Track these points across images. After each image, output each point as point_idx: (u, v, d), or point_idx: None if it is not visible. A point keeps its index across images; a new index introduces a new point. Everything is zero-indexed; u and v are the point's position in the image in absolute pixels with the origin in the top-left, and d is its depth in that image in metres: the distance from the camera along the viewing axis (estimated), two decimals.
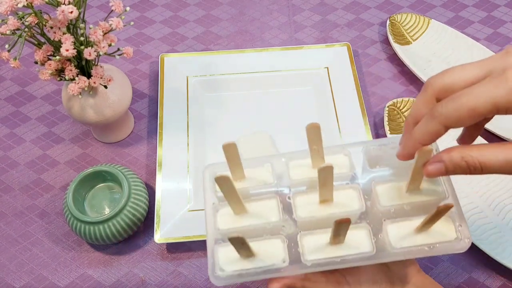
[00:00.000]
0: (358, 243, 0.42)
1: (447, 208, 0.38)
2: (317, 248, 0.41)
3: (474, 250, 0.62)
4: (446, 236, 0.41)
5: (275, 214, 0.43)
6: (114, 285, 0.61)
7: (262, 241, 0.42)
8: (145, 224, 0.65)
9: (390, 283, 0.47)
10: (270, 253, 0.42)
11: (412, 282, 0.47)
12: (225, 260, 0.42)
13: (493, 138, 0.70)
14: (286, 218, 0.43)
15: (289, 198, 0.44)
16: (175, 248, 0.64)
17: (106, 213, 0.61)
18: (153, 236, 0.63)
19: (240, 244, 0.39)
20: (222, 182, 0.40)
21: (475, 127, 0.44)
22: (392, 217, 0.43)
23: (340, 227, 0.38)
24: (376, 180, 0.45)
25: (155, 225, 0.62)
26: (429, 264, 0.62)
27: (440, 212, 0.38)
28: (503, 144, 0.36)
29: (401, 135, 0.43)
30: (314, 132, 0.43)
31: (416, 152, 0.39)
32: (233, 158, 0.44)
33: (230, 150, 0.43)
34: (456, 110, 0.36)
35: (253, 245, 0.41)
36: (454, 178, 0.66)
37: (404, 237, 0.41)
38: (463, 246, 0.41)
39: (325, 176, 0.40)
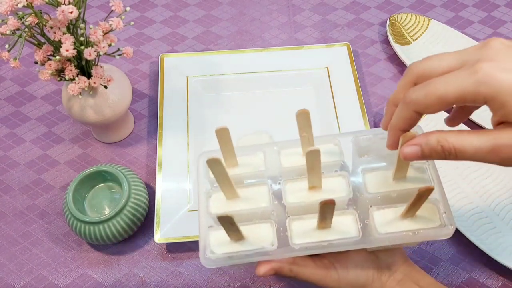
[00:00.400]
0: (345, 228, 0.43)
1: (428, 190, 0.39)
2: (305, 233, 0.42)
3: (474, 250, 0.62)
4: (430, 222, 0.43)
5: (265, 200, 0.45)
6: (114, 285, 0.61)
7: (252, 225, 0.44)
8: (145, 224, 0.65)
9: (378, 271, 0.47)
10: (260, 236, 0.43)
11: (399, 270, 0.48)
12: (216, 243, 0.43)
13: None
14: (276, 204, 0.45)
15: (279, 184, 0.46)
16: (175, 248, 0.64)
17: (106, 213, 0.61)
18: (153, 236, 0.63)
19: (229, 224, 0.39)
20: (214, 164, 0.41)
21: (463, 111, 0.44)
22: (379, 204, 0.44)
23: (325, 209, 0.39)
24: (364, 168, 0.46)
25: (155, 225, 0.62)
26: (429, 264, 0.62)
27: (422, 195, 0.39)
28: (481, 132, 0.36)
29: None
30: (303, 118, 0.44)
31: (400, 138, 0.40)
32: (225, 144, 0.45)
33: (223, 135, 0.44)
34: (426, 97, 0.37)
35: (244, 229, 0.42)
36: (455, 178, 0.66)
37: (389, 223, 0.43)
38: (447, 233, 0.42)
39: (313, 160, 0.41)
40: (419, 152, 0.38)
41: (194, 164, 0.68)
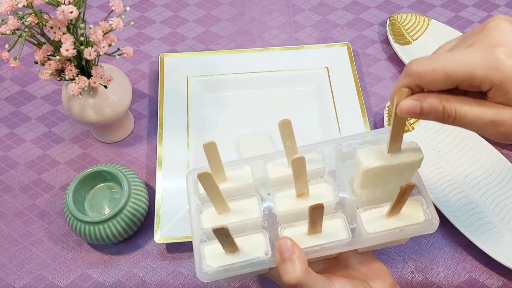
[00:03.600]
0: (335, 232, 0.44)
1: (409, 187, 0.40)
2: (297, 239, 0.42)
3: (474, 250, 0.62)
4: (415, 219, 0.44)
5: (256, 211, 0.46)
6: (114, 285, 0.61)
7: (245, 237, 0.44)
8: (145, 224, 0.65)
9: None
10: (253, 247, 0.44)
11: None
12: (211, 257, 0.44)
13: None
14: (266, 213, 0.46)
15: (268, 194, 0.47)
16: (175, 248, 0.64)
17: (106, 213, 0.61)
18: (153, 236, 0.63)
19: (224, 236, 0.40)
20: (204, 178, 0.42)
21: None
22: (365, 205, 0.45)
23: (315, 213, 0.40)
24: (348, 173, 0.47)
25: (155, 225, 0.62)
26: (429, 264, 0.62)
27: (404, 193, 0.41)
28: (484, 103, 0.36)
29: (367, 131, 0.45)
30: (286, 128, 0.45)
31: (395, 95, 0.38)
32: (214, 158, 0.46)
33: (211, 150, 0.45)
34: (432, 72, 0.36)
35: (237, 241, 0.43)
36: (455, 178, 0.66)
37: (376, 223, 0.44)
38: (432, 227, 0.43)
39: (298, 167, 0.42)
40: (418, 107, 0.37)
41: (194, 164, 0.68)
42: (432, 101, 0.37)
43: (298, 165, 0.42)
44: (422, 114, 0.37)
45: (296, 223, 0.45)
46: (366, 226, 0.44)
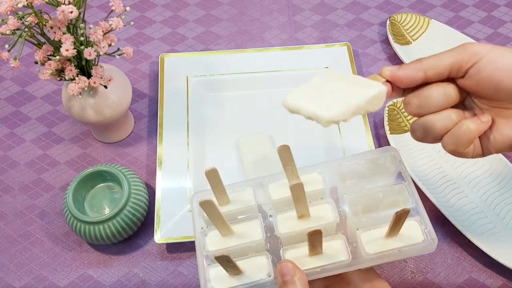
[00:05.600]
0: (335, 253, 0.45)
1: (404, 213, 0.41)
2: (298, 261, 0.43)
3: (474, 250, 0.62)
4: (414, 239, 0.45)
5: (258, 233, 0.47)
6: (114, 285, 0.61)
7: (248, 259, 0.45)
8: (145, 224, 0.65)
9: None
10: (256, 269, 0.45)
11: None
12: (215, 280, 0.45)
13: None
14: (268, 236, 0.47)
15: (270, 216, 0.48)
16: (175, 248, 0.64)
17: (106, 213, 0.61)
18: (153, 236, 0.63)
19: (226, 262, 0.41)
20: (207, 206, 0.43)
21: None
22: (365, 226, 0.46)
23: (314, 238, 0.41)
24: (348, 194, 0.48)
25: (155, 225, 0.62)
26: (429, 264, 0.62)
27: (399, 218, 0.41)
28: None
29: (368, 150, 0.48)
30: (285, 153, 0.45)
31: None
32: (216, 184, 0.47)
33: (213, 176, 0.46)
34: (429, 60, 0.41)
35: (240, 263, 0.44)
36: (455, 178, 0.66)
37: (376, 244, 0.45)
38: (431, 248, 0.44)
39: (297, 192, 0.44)
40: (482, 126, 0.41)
41: (194, 164, 0.68)
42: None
43: (297, 190, 0.43)
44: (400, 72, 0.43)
45: (298, 244, 0.45)
46: (366, 247, 0.44)
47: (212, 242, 0.47)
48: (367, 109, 0.41)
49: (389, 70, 0.43)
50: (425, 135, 0.42)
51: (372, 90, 0.40)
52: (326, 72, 0.43)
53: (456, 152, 0.42)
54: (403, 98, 0.44)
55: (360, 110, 0.40)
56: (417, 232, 0.45)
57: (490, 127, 0.41)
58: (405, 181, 0.48)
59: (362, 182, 0.49)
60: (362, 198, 0.48)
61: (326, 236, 0.44)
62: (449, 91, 0.41)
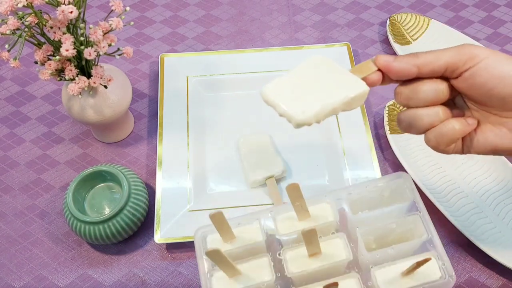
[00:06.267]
0: None
1: (425, 261, 0.40)
2: None
3: (474, 250, 0.62)
4: (431, 276, 0.43)
5: (268, 273, 0.44)
6: (114, 285, 0.61)
7: None
8: (145, 224, 0.65)
9: None
10: None
11: None
12: None
13: None
14: (278, 276, 0.44)
15: (279, 255, 0.45)
16: (175, 248, 0.64)
17: (106, 213, 0.61)
18: (153, 236, 0.63)
19: None
20: (214, 255, 0.41)
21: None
22: (379, 262, 0.44)
23: (329, 286, 0.40)
24: (360, 227, 0.46)
25: (155, 225, 0.62)
26: None
27: (419, 265, 0.41)
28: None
29: (378, 177, 0.47)
30: (294, 191, 0.44)
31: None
32: (221, 225, 0.45)
33: (218, 219, 0.44)
34: (425, 56, 0.41)
35: None
36: (455, 178, 0.66)
37: (392, 282, 0.43)
38: (448, 285, 0.43)
39: (310, 237, 0.42)
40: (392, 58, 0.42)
41: (194, 164, 0.68)
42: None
43: (310, 235, 0.42)
44: (395, 63, 0.42)
45: (309, 285, 0.44)
46: (382, 286, 0.43)
47: (219, 285, 0.44)
48: (344, 109, 0.40)
49: (384, 60, 0.42)
50: (410, 128, 0.42)
51: (353, 91, 0.39)
52: (315, 60, 0.42)
53: (437, 149, 0.41)
54: (395, 88, 0.43)
55: (335, 111, 0.39)
56: (434, 269, 0.43)
57: (475, 129, 0.41)
58: (419, 211, 0.46)
59: (374, 212, 0.47)
60: (375, 230, 0.46)
61: (339, 274, 0.42)
62: (440, 88, 0.41)
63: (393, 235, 0.47)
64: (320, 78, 0.40)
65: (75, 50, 0.55)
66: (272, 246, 0.47)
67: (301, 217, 0.46)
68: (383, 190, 0.48)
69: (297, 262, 0.45)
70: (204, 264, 0.46)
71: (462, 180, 0.67)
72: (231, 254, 0.44)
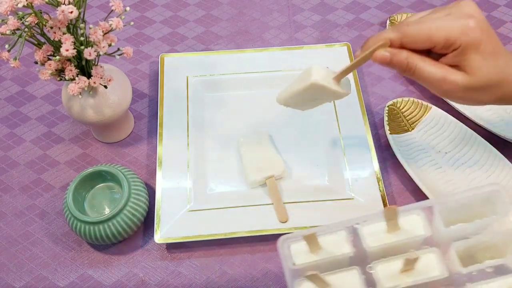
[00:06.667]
0: None
1: None
2: None
3: None
4: None
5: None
6: (114, 285, 0.61)
7: None
8: (145, 224, 0.65)
9: None
10: None
11: None
12: None
13: (493, 137, 0.70)
14: None
15: (370, 268, 0.44)
16: (175, 248, 0.64)
17: (106, 213, 0.61)
18: (153, 236, 0.63)
19: None
20: (314, 279, 0.41)
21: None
22: (474, 279, 0.42)
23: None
24: (454, 242, 0.44)
25: (155, 225, 0.62)
26: None
27: None
28: (438, 63, 0.47)
29: (471, 187, 0.48)
30: (392, 214, 0.43)
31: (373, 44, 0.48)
32: (312, 241, 0.44)
33: (310, 239, 0.43)
34: (418, 32, 0.46)
35: None
36: (455, 178, 0.66)
37: None
38: None
39: (410, 264, 0.41)
40: (388, 59, 0.47)
41: (194, 164, 0.68)
42: (400, 56, 0.47)
43: (410, 262, 0.40)
44: (390, 64, 0.47)
45: None
46: None
47: None
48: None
49: (382, 60, 0.48)
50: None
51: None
52: (313, 72, 0.49)
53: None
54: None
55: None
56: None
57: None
58: None
59: (468, 226, 0.44)
60: (471, 247, 0.44)
61: None
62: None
63: (491, 252, 0.44)
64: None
65: (75, 50, 0.55)
66: (359, 258, 0.45)
67: (391, 229, 0.45)
68: (477, 202, 0.45)
69: (389, 278, 0.43)
70: (290, 273, 0.44)
71: (462, 180, 0.67)
72: (318, 265, 0.42)
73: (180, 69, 0.77)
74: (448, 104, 0.74)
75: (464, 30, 0.44)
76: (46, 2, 0.53)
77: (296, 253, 0.45)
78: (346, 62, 0.77)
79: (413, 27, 0.46)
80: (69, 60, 0.58)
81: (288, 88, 0.58)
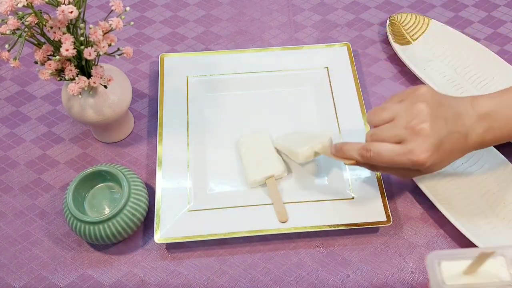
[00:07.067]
0: None
1: None
2: None
3: None
4: None
5: None
6: (114, 285, 0.61)
7: None
8: (145, 224, 0.65)
9: None
10: None
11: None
12: None
13: None
14: None
15: None
16: (175, 248, 0.64)
17: (106, 213, 0.61)
18: (153, 236, 0.63)
19: None
20: None
21: None
22: None
23: None
24: None
25: (155, 225, 0.62)
26: None
27: None
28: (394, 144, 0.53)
29: None
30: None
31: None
32: (478, 262, 0.43)
33: (479, 260, 0.42)
34: (380, 161, 0.54)
35: None
36: (455, 179, 0.66)
37: None
38: None
39: None
40: (355, 162, 0.57)
41: (194, 164, 0.68)
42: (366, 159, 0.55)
43: None
44: (358, 164, 0.57)
45: None
46: None
47: None
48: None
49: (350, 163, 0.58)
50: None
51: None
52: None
53: None
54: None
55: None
56: None
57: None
58: None
59: None
60: None
61: None
62: None
63: None
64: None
65: (75, 50, 0.55)
66: None
67: None
68: None
69: None
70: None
71: (462, 180, 0.67)
72: None
73: (180, 69, 0.77)
74: None
75: (410, 159, 0.52)
76: (46, 2, 0.53)
77: (446, 271, 0.43)
78: (346, 62, 0.77)
79: (375, 157, 0.54)
80: (69, 60, 0.58)
81: (286, 142, 0.67)
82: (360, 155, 0.55)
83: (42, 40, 0.57)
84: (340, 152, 0.58)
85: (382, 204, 0.64)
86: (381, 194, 0.64)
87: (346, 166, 0.67)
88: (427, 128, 0.51)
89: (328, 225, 0.62)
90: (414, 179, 0.65)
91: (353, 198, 0.65)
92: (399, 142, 0.52)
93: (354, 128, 0.71)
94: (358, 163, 0.57)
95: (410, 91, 0.55)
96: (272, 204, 0.64)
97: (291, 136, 0.69)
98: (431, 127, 0.51)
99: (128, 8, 0.59)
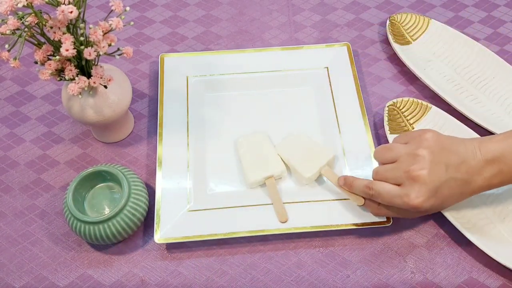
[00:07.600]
0: None
1: None
2: None
3: (474, 250, 0.62)
4: None
5: None
6: (114, 285, 0.61)
7: None
8: (145, 224, 0.65)
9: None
10: None
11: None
12: None
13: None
14: None
15: None
16: (175, 248, 0.64)
17: (106, 213, 0.61)
18: (153, 236, 0.63)
19: None
20: None
21: None
22: None
23: None
24: None
25: (155, 225, 0.62)
26: (429, 264, 0.62)
27: None
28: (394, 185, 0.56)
29: None
30: None
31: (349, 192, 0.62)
32: None
33: None
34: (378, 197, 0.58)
35: None
36: None
37: None
38: None
39: None
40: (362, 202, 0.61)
41: (194, 164, 0.68)
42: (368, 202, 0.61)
43: None
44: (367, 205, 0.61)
45: None
46: None
47: None
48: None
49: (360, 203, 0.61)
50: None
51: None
52: None
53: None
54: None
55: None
56: None
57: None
58: None
59: None
60: None
61: None
62: None
63: None
64: None
65: (75, 50, 0.55)
66: None
67: None
68: None
69: None
70: None
71: None
72: None
73: (180, 69, 0.77)
74: (448, 104, 0.74)
75: (408, 204, 0.55)
76: (46, 2, 0.53)
77: None
78: (346, 62, 0.77)
79: (377, 195, 0.57)
80: (69, 60, 0.58)
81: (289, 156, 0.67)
82: (363, 192, 0.59)
83: (42, 40, 0.57)
84: (347, 187, 0.61)
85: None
86: None
87: (346, 165, 0.67)
88: (424, 174, 0.53)
89: (328, 225, 0.62)
90: None
91: None
92: (398, 184, 0.55)
93: (354, 128, 0.71)
94: (365, 203, 0.61)
95: (416, 134, 0.57)
96: (272, 204, 0.64)
97: (293, 146, 0.68)
98: (429, 174, 0.53)
99: (128, 8, 0.59)
